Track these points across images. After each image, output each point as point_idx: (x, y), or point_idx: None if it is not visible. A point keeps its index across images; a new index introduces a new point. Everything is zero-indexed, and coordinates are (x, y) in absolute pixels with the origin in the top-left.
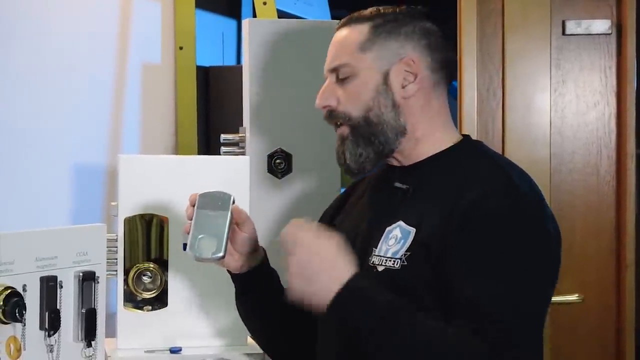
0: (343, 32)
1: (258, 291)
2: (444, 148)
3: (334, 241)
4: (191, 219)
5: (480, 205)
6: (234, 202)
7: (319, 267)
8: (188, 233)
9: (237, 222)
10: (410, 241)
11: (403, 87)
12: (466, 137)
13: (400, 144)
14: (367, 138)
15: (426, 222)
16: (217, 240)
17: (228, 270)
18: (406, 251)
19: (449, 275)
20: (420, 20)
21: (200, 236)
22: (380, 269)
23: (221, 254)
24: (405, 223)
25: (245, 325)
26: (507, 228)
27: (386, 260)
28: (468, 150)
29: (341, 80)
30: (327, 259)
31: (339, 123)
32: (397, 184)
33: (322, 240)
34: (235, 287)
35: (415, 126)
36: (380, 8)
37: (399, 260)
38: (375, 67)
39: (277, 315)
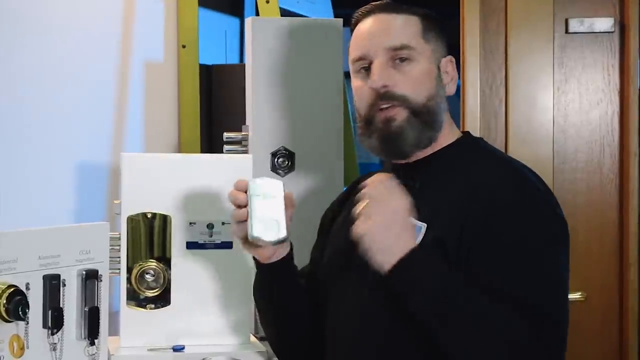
0: (396, 17)
1: (282, 282)
2: (446, 144)
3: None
4: (239, 205)
5: (497, 198)
6: (285, 190)
7: (396, 226)
8: (241, 220)
9: (286, 207)
10: (422, 236)
11: (450, 82)
12: (467, 134)
13: (442, 126)
14: (430, 124)
15: (438, 218)
16: (277, 223)
17: (254, 259)
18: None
19: (477, 269)
20: (439, 22)
21: (259, 221)
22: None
23: (284, 235)
24: (416, 218)
25: (260, 314)
26: (527, 216)
27: None
28: (471, 146)
29: (400, 62)
30: (402, 221)
31: (394, 105)
32: (405, 181)
33: (401, 201)
34: (259, 275)
35: (443, 120)
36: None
37: None
38: (433, 59)
39: (294, 309)
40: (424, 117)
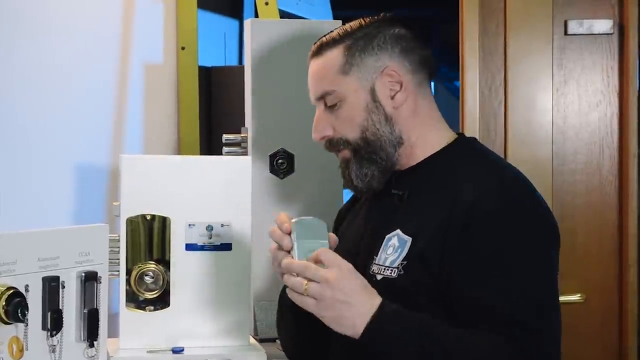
0: (319, 61)
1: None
2: (437, 149)
3: (359, 278)
4: (279, 241)
5: (476, 208)
6: (329, 230)
7: (354, 295)
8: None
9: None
10: (407, 250)
11: (392, 98)
12: (459, 137)
13: (399, 154)
14: (369, 157)
15: (422, 230)
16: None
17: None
18: (403, 260)
19: (456, 283)
20: (388, 28)
21: None
22: (379, 277)
23: None
24: (402, 231)
25: (279, 322)
26: (507, 225)
27: (384, 269)
28: (460, 150)
29: (330, 108)
30: (357, 289)
31: (339, 149)
32: (394, 190)
33: (349, 276)
34: (290, 314)
35: (410, 133)
36: (347, 26)
37: (396, 269)
38: (360, 87)
39: (319, 336)
40: (362, 152)
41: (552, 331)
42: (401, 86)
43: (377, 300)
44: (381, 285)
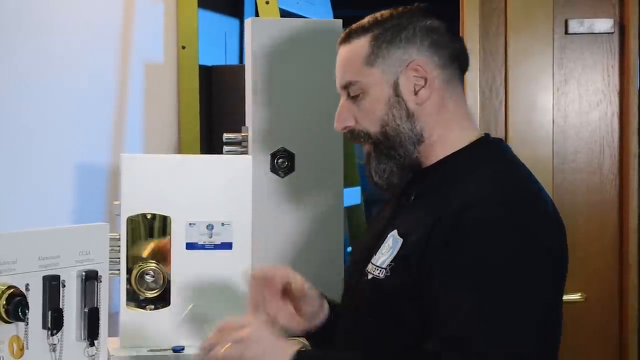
0: (346, 49)
1: (329, 331)
2: (457, 149)
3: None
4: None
5: (463, 215)
6: None
7: (267, 348)
8: None
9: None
10: (396, 252)
11: (415, 94)
12: (482, 137)
13: (419, 152)
14: (387, 153)
15: (412, 232)
16: None
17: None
18: (391, 262)
19: (432, 291)
20: (419, 20)
21: None
22: (369, 277)
23: None
24: (398, 232)
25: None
26: (487, 239)
27: (375, 268)
28: (477, 152)
29: (353, 98)
30: (272, 341)
31: (361, 142)
32: (403, 194)
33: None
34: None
35: (432, 130)
36: (378, 15)
37: (384, 270)
38: (384, 80)
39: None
40: (381, 147)
41: (514, 353)
42: (426, 82)
43: (293, 349)
44: (369, 285)
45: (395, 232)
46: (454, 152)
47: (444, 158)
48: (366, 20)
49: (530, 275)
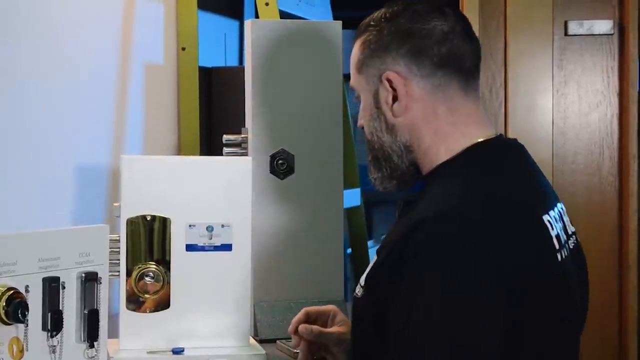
0: (353, 48)
1: None
2: (452, 155)
3: None
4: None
5: (413, 235)
6: None
7: None
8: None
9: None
10: (369, 269)
11: (391, 107)
12: (478, 143)
13: (411, 161)
14: (376, 162)
15: (381, 251)
16: None
17: None
18: (364, 279)
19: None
20: (401, 23)
21: None
22: (355, 292)
23: None
24: (379, 247)
25: None
26: (430, 261)
27: (359, 285)
28: (461, 161)
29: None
30: None
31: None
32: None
33: None
34: None
35: (420, 140)
36: (376, 14)
37: (361, 288)
38: (368, 89)
39: None
40: (372, 154)
41: None
42: (396, 96)
43: None
44: (353, 303)
45: (377, 246)
46: (446, 160)
47: (436, 167)
48: (368, 19)
49: (475, 299)
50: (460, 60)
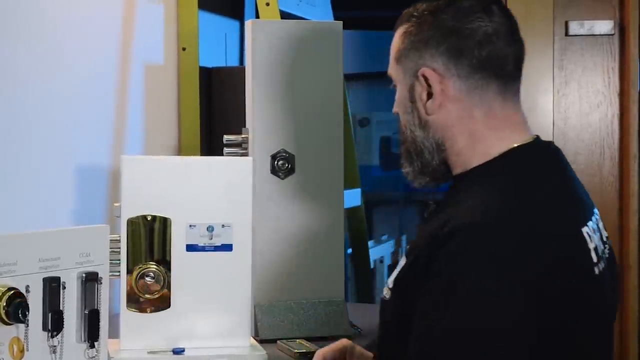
0: (394, 36)
1: None
2: (487, 159)
3: None
4: None
5: (447, 243)
6: None
7: None
8: None
9: None
10: (397, 272)
11: (425, 104)
12: (513, 148)
13: (443, 160)
14: (408, 156)
15: (410, 254)
16: None
17: None
18: (393, 282)
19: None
20: (442, 17)
21: None
22: (382, 295)
23: None
24: (407, 248)
25: None
26: (461, 273)
27: (386, 287)
28: (495, 167)
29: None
30: None
31: None
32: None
33: None
34: None
35: (453, 141)
36: (418, 6)
37: (390, 291)
38: (405, 81)
39: None
40: (405, 147)
41: None
42: (431, 93)
43: None
44: (380, 305)
45: (408, 247)
46: (480, 164)
47: (469, 170)
48: (412, 7)
49: (486, 310)
50: (500, 63)
